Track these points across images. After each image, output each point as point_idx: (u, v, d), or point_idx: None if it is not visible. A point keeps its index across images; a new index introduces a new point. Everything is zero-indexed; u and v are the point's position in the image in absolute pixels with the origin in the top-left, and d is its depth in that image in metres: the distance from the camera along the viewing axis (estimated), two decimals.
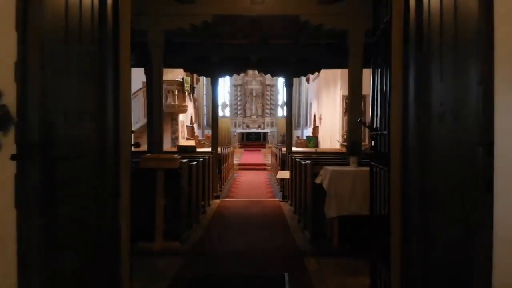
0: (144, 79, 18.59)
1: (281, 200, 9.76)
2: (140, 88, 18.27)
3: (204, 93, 30.28)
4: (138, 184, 5.65)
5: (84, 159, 2.04)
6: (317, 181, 5.42)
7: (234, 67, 11.10)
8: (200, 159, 7.41)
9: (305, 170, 6.25)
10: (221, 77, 12.04)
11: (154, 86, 6.53)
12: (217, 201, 9.60)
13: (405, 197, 2.58)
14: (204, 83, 28.85)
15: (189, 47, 9.74)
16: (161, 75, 6.70)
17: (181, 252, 5.30)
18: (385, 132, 3.00)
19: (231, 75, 12.63)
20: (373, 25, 3.49)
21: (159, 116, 6.65)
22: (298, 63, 10.90)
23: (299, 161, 7.03)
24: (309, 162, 5.84)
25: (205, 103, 30.11)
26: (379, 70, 3.40)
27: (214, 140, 11.36)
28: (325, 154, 9.81)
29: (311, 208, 5.77)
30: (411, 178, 2.47)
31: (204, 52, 9.93)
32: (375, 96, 3.55)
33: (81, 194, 2.09)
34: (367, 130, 11.34)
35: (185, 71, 11.60)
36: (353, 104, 6.50)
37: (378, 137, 3.38)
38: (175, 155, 5.44)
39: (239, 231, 6.57)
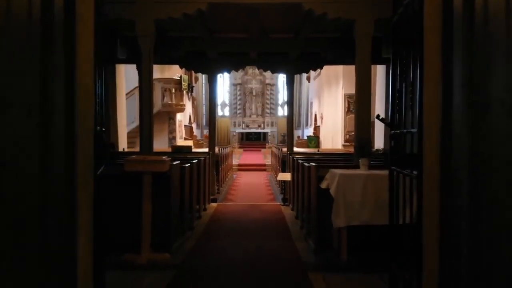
0: None
1: (282, 203, 9.18)
2: (136, 87, 17.74)
3: (203, 92, 29.79)
4: (122, 189, 5.09)
5: (10, 168, 1.46)
6: (323, 185, 4.85)
7: (232, 63, 10.50)
8: (194, 161, 6.83)
9: (308, 173, 5.67)
10: (218, 74, 11.45)
11: (143, 81, 5.95)
12: (214, 205, 9.02)
13: (447, 211, 2.00)
14: (203, 82, 28.34)
15: (184, 41, 9.15)
16: (151, 69, 6.11)
17: (171, 265, 4.72)
18: (413, 130, 2.42)
19: (229, 72, 12.04)
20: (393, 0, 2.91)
21: (149, 114, 6.07)
22: (300, 59, 10.30)
23: (302, 163, 6.45)
24: (313, 164, 5.26)
25: (204, 103, 29.61)
26: (401, 56, 2.82)
27: (212, 140, 10.78)
28: (329, 155, 9.22)
29: (316, 215, 5.19)
30: (456, 187, 1.89)
31: (200, 47, 9.33)
32: (395, 88, 2.97)
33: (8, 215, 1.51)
34: (375, 129, 10.77)
35: (181, 67, 11.03)
36: (361, 100, 5.92)
37: (400, 137, 2.80)
38: (164, 157, 4.86)
39: (237, 240, 5.99)
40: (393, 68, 3.05)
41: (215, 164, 10.62)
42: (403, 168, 2.70)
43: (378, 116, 3.45)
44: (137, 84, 18.06)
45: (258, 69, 11.28)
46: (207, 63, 10.34)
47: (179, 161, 5.43)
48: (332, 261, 4.66)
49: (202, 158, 7.73)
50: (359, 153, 4.98)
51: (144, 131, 6.03)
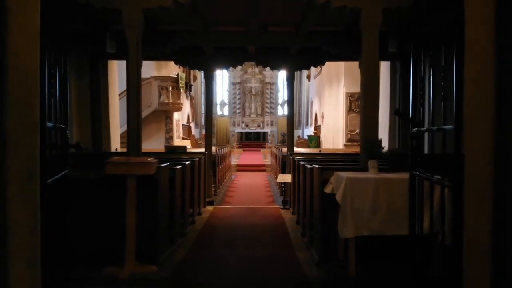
0: None
1: (282, 207, 8.67)
2: None
3: (202, 92, 29.28)
4: (104, 194, 4.59)
5: None
6: (327, 190, 4.34)
7: (230, 59, 9.98)
8: (188, 162, 6.33)
9: (311, 175, 5.17)
10: (215, 70, 10.93)
11: (130, 76, 5.44)
12: (210, 208, 8.51)
13: (506, 233, 1.50)
14: (202, 81, 27.83)
15: (177, 35, 8.64)
16: (139, 64, 5.60)
17: (157, 280, 4.21)
18: (447, 127, 1.91)
19: (227, 68, 11.53)
20: None
21: (137, 112, 5.57)
22: (301, 55, 9.80)
23: (303, 164, 5.95)
24: (316, 166, 4.76)
25: (203, 102, 29.08)
26: (425, 40, 2.31)
27: (208, 140, 10.28)
28: (332, 155, 8.71)
29: (319, 223, 4.69)
30: None
31: (195, 41, 8.81)
32: (418, 79, 2.46)
33: None
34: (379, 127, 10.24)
35: (176, 63, 10.48)
36: (368, 97, 5.41)
37: (425, 135, 2.30)
38: (150, 158, 4.35)
39: (232, 249, 5.49)
40: (415, 55, 2.55)
41: (211, 165, 10.13)
42: (432, 172, 2.21)
43: (397, 111, 2.95)
44: None
45: (257, 65, 10.75)
46: (203, 59, 9.84)
47: (168, 163, 4.92)
48: (338, 276, 4.16)
49: (197, 159, 7.23)
50: (368, 154, 4.47)
51: (132, 131, 5.53)
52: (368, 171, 4.22)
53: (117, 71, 11.10)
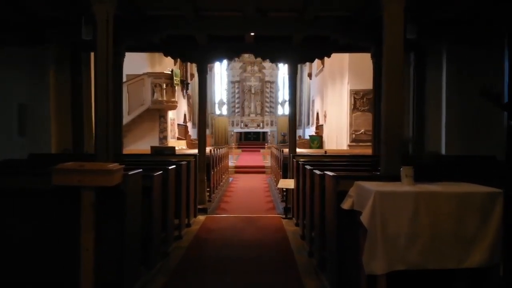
0: (128, 72, 16.76)
1: (283, 215, 7.63)
2: (124, 82, 16.25)
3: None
4: (54, 211, 3.56)
5: None
6: (346, 206, 3.31)
7: (225, 50, 8.94)
8: (171, 166, 5.29)
9: (321, 184, 4.13)
10: (210, 63, 9.90)
11: (99, 59, 4.39)
12: (202, 218, 7.46)
13: None
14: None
15: (165, 21, 7.61)
16: (109, 45, 4.54)
17: None
18: None
19: (221, 60, 10.58)
20: None
21: (106, 106, 4.53)
22: (305, 45, 8.77)
23: (311, 170, 4.92)
24: (329, 174, 3.72)
25: None
26: None
27: (202, 140, 9.25)
28: (341, 158, 7.67)
29: (335, 244, 3.67)
30: None
31: (185, 29, 7.77)
32: None
33: None
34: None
35: (165, 55, 9.42)
36: (391, 87, 4.36)
37: None
38: (112, 164, 3.31)
39: (223, 274, 4.45)
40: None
41: (205, 168, 9.09)
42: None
43: (485, 91, 1.93)
44: (124, 79, 16.68)
45: (256, 57, 9.74)
46: (196, 50, 8.81)
47: (141, 169, 3.88)
48: None
49: (184, 163, 6.19)
50: (390, 156, 3.43)
51: (100, 130, 4.49)
52: (401, 181, 3.17)
53: None
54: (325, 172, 3.96)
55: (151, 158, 7.27)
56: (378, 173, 4.48)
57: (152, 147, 7.88)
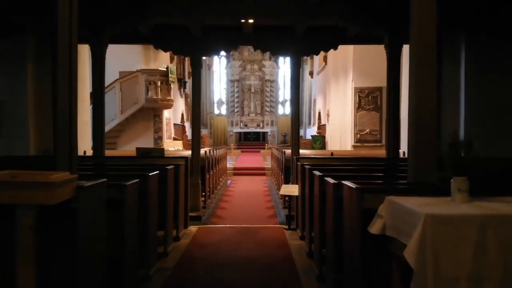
0: (121, 69, 15.86)
1: (286, 226, 6.76)
2: (117, 79, 15.46)
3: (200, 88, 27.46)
4: None
5: None
6: (374, 230, 2.46)
7: (221, 41, 8.08)
8: (153, 173, 4.43)
9: (335, 195, 3.28)
10: (204, 56, 9.05)
11: (60, 34, 3.53)
12: (194, 229, 6.58)
13: None
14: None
15: (155, 7, 6.76)
16: (72, 26, 3.66)
17: None
18: None
19: (217, 54, 9.75)
20: None
21: (69, 97, 3.69)
22: (308, 36, 7.92)
23: (321, 176, 4.06)
24: (350, 185, 2.87)
25: (202, 100, 27.27)
26: None
27: (195, 140, 8.42)
28: (350, 160, 6.81)
29: (359, 275, 2.81)
30: None
31: (177, 16, 6.92)
32: None
33: None
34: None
35: (155, 48, 8.61)
36: (423, 74, 3.51)
37: None
38: (56, 175, 2.44)
39: None
40: None
41: (200, 171, 8.25)
42: None
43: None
44: (117, 76, 15.80)
45: (255, 49, 8.90)
46: (189, 42, 7.94)
47: (105, 179, 3.02)
48: None
49: (172, 166, 5.33)
50: (433, 165, 2.59)
51: (62, 124, 3.64)
52: (451, 197, 2.31)
53: (88, 55, 9.19)
54: (342, 181, 3.10)
55: (135, 162, 6.42)
56: (405, 181, 3.63)
57: (137, 149, 7.01)
